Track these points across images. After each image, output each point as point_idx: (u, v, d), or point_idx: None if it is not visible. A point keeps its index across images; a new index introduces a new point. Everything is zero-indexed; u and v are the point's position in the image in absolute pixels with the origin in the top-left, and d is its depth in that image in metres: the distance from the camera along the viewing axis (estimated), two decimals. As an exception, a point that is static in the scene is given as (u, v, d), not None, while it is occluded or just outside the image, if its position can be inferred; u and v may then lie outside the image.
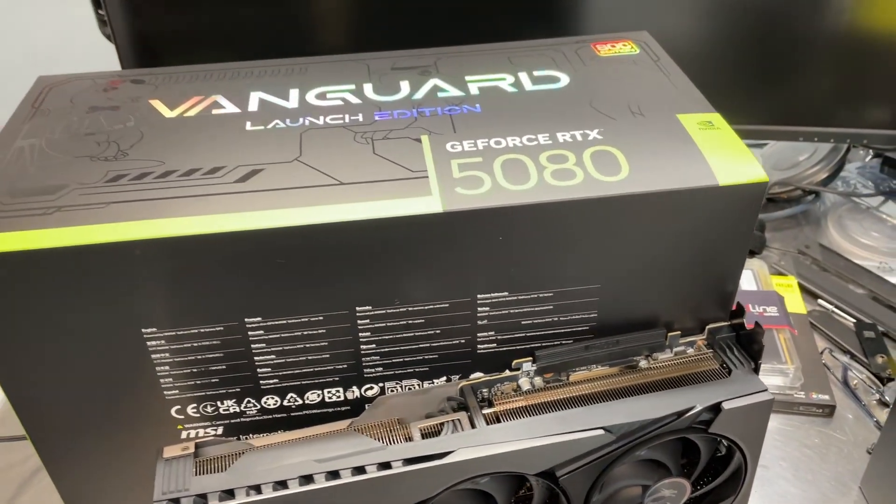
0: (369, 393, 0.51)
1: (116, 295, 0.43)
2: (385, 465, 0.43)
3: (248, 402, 0.49)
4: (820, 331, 0.73)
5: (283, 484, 0.42)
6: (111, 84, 0.54)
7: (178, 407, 0.49)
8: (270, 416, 0.50)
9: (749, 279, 0.76)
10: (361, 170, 0.45)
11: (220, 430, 0.50)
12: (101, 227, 0.41)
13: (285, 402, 0.50)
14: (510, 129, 0.48)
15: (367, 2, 0.76)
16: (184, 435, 0.50)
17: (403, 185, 0.44)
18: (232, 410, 0.50)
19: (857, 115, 0.85)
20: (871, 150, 0.98)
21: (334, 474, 0.42)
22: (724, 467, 0.50)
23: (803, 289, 0.78)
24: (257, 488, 0.42)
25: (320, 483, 0.42)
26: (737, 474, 0.49)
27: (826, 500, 0.57)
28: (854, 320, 0.73)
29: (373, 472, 0.42)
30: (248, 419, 0.50)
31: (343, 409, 0.51)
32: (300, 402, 0.50)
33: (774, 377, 0.65)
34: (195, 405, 0.49)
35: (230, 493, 0.41)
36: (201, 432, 0.50)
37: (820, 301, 0.76)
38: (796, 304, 0.75)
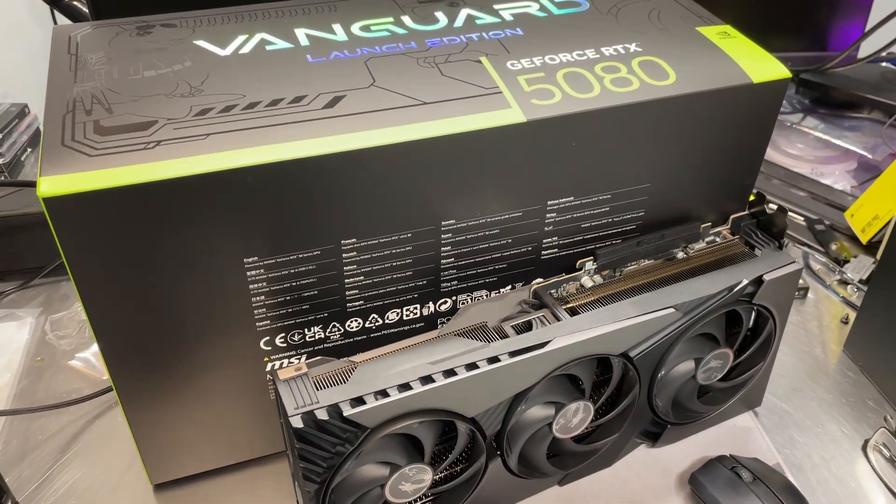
0: (443, 308, 0.54)
1: (223, 224, 0.43)
2: (494, 360, 0.46)
3: (334, 326, 0.51)
4: (777, 230, 0.82)
5: (406, 386, 0.44)
6: (142, 29, 0.53)
7: (268, 338, 0.50)
8: (352, 340, 0.52)
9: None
10: (437, 90, 0.47)
11: (303, 359, 0.52)
12: (213, 156, 0.41)
13: (367, 324, 0.52)
14: (557, 47, 0.52)
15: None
16: (268, 367, 0.51)
17: (482, 101, 0.47)
18: (317, 337, 0.51)
19: (776, 40, 0.95)
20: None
21: (450, 372, 0.45)
22: (755, 339, 0.57)
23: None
24: (383, 392, 0.44)
25: (440, 381, 0.45)
26: (767, 341, 0.57)
27: (818, 362, 0.66)
28: (803, 218, 0.83)
29: (484, 367, 0.46)
30: (330, 344, 0.52)
31: (418, 325, 0.54)
32: (380, 322, 0.52)
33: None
34: (283, 335, 0.50)
35: (359, 400, 0.44)
36: (286, 363, 0.51)
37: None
38: (754, 209, 0.84)
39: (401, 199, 0.47)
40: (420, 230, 0.48)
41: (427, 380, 0.45)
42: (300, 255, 0.46)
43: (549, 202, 0.51)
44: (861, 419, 0.61)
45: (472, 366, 0.46)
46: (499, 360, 0.46)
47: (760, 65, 0.51)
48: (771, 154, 0.95)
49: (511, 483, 0.53)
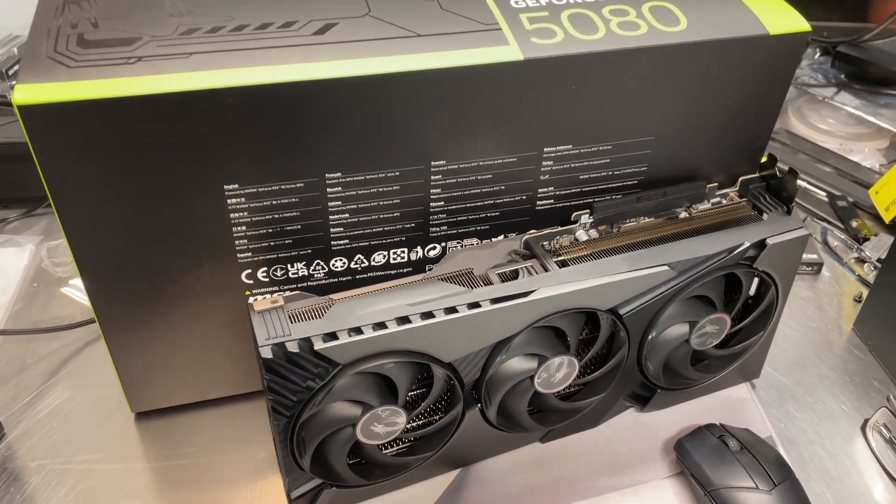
0: (431, 254, 0.52)
1: (202, 147, 0.42)
2: (474, 305, 0.45)
3: (318, 264, 0.50)
4: (797, 204, 0.79)
5: (381, 325, 0.43)
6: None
7: (249, 271, 0.49)
8: (336, 280, 0.51)
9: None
10: (434, 23, 0.46)
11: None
12: (193, 74, 0.40)
13: (352, 265, 0.51)
14: (566, -12, 0.50)
15: None
16: (251, 301, 0.50)
17: (479, 36, 0.45)
18: (301, 274, 0.50)
19: (816, 9, 0.91)
20: (818, 49, 1.05)
21: (428, 315, 0.44)
22: (755, 307, 0.55)
23: (777, 169, 0.84)
24: (357, 330, 0.43)
25: (416, 323, 0.44)
26: (768, 310, 0.55)
27: (825, 340, 0.64)
28: (826, 193, 0.80)
29: (464, 312, 0.45)
30: (314, 283, 0.51)
31: (405, 270, 0.53)
32: (366, 263, 0.51)
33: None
34: (266, 269, 0.49)
35: (332, 336, 0.43)
36: (268, 297, 0.51)
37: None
38: (775, 181, 0.81)
39: (389, 134, 0.45)
40: (409, 169, 0.47)
41: (404, 320, 0.44)
42: (282, 186, 0.45)
43: (545, 149, 0.49)
44: (864, 399, 0.59)
45: (451, 310, 0.45)
46: (479, 306, 0.45)
47: (779, 16, 0.49)
48: (799, 128, 0.91)
49: (490, 435, 0.51)
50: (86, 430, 0.55)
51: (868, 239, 0.73)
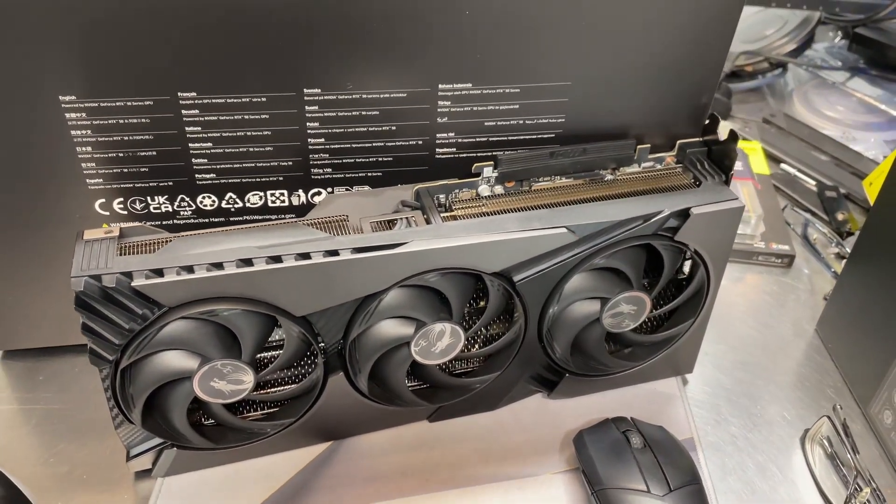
0: (316, 199, 0.47)
1: (27, 48, 0.37)
2: (332, 253, 0.39)
3: (182, 200, 0.45)
4: (782, 192, 0.71)
5: (218, 266, 0.38)
6: None
7: (103, 200, 0.44)
8: (207, 220, 0.46)
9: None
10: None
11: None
12: (7, -41, 0.35)
13: (224, 204, 0.46)
14: None
15: None
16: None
17: (359, -55, 0.39)
18: (164, 209, 0.45)
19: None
20: (839, 32, 0.96)
21: (276, 259, 0.39)
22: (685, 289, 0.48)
23: (767, 154, 0.76)
24: (189, 269, 0.38)
25: (260, 266, 0.38)
26: (698, 295, 0.48)
27: (783, 342, 0.57)
28: (815, 182, 0.72)
29: (318, 259, 0.39)
30: (181, 221, 0.46)
31: (288, 216, 0.47)
32: (240, 204, 0.46)
33: (735, 228, 0.64)
34: (122, 199, 0.44)
35: (158, 273, 0.38)
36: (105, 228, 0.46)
37: (783, 165, 0.75)
38: (760, 165, 0.73)
39: (248, 49, 0.40)
40: (277, 95, 0.42)
41: (245, 263, 0.38)
42: (128, 103, 0.40)
43: (440, 86, 0.43)
44: (811, 407, 0.51)
45: (304, 256, 0.39)
46: (338, 255, 0.39)
47: (722, -54, 0.42)
48: (801, 113, 0.83)
49: (365, 408, 0.46)
50: (-57, 365, 0.51)
51: (852, 234, 0.65)
